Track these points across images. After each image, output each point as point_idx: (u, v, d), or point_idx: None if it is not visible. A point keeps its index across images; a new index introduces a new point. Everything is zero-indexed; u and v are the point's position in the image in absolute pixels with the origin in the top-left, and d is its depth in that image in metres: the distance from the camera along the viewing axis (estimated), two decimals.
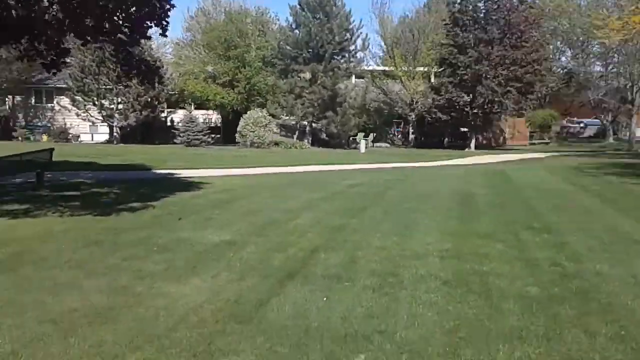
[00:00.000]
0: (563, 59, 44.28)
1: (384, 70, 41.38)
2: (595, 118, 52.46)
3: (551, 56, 40.28)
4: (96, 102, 35.40)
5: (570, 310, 4.41)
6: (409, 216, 8.97)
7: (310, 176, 16.98)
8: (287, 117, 37.73)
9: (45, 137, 36.36)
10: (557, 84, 38.91)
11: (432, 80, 37.97)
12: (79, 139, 37.46)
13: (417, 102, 38.92)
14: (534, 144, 45.49)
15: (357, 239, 7.12)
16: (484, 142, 40.74)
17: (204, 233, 7.43)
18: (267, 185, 13.92)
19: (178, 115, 39.79)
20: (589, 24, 31.14)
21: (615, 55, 39.79)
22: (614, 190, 13.75)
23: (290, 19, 35.37)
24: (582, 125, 55.67)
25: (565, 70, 44.03)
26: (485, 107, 34.52)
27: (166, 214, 9.11)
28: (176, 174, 16.81)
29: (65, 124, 37.77)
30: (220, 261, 5.94)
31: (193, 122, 35.30)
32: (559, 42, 44.22)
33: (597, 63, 43.35)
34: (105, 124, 36.83)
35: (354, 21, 35.22)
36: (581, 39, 40.41)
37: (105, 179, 14.77)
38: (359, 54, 36.85)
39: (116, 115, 35.71)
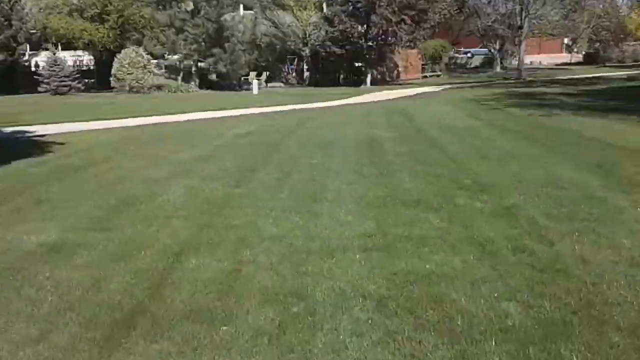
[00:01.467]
0: None
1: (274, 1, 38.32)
2: (483, 47, 53.09)
3: None
4: None
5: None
6: (312, 177, 7.06)
7: (194, 126, 14.53)
8: (171, 57, 33.97)
9: None
10: (450, 11, 38.08)
11: (325, 10, 35.64)
12: None
13: (310, 36, 36.61)
14: (426, 76, 45.15)
15: (242, 222, 5.11)
16: (379, 77, 39.52)
17: (18, 230, 5.06)
18: (137, 141, 11.37)
19: (43, 58, 34.45)
20: None
21: None
22: (525, 124, 12.74)
23: None
24: (469, 55, 56.13)
25: None
26: (380, 38, 33.09)
27: None
28: (26, 131, 13.59)
29: None
30: (15, 298, 3.67)
31: (58, 65, 30.45)
32: None
33: None
34: None
35: None
36: None
37: None
38: None
39: None
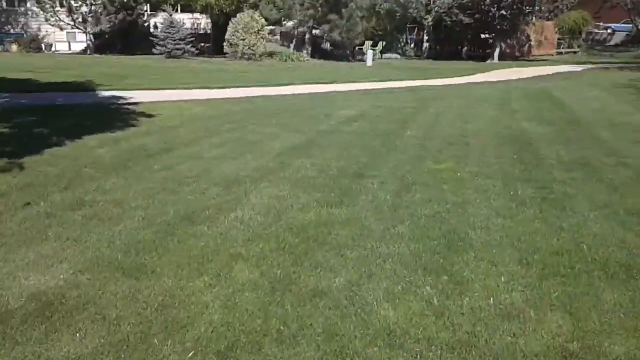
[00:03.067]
0: None
1: None
2: (626, 22, 46.54)
3: None
4: (64, 3, 30.27)
5: None
6: (443, 197, 5.00)
7: (299, 102, 12.81)
8: (286, 23, 32.59)
9: (15, 47, 31.54)
10: None
11: None
12: (53, 49, 32.73)
13: (434, 2, 33.43)
14: (561, 53, 40.17)
15: (338, 286, 3.22)
16: (507, 51, 35.53)
17: (18, 258, 3.55)
18: (232, 118, 9.85)
19: (160, 20, 34.49)
20: None
21: None
22: None
23: None
24: (609, 31, 49.41)
25: None
26: (515, 6, 29.31)
27: (21, 186, 5.20)
28: (124, 97, 12.62)
29: (39, 31, 32.84)
30: None
31: (174, 27, 30.16)
32: None
33: None
34: (80, 30, 31.82)
35: None
36: None
37: (19, 105, 10.75)
38: None
39: (89, 19, 30.69)
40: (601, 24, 48.89)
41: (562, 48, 41.38)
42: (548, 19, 34.62)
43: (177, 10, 37.96)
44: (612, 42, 48.00)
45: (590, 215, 4.47)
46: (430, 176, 5.70)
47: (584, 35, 45.42)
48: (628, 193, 5.17)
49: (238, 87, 15.88)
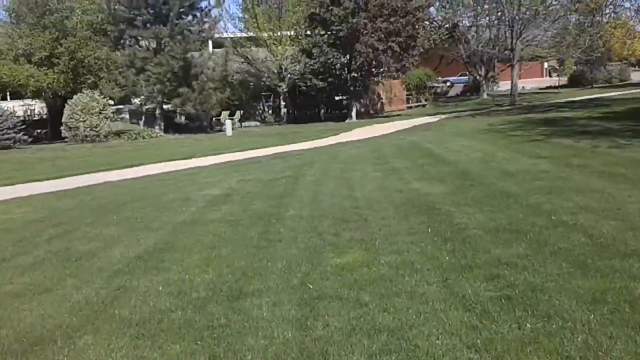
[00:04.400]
0: (432, 9, 40.53)
1: (247, 37, 35.07)
2: (462, 75, 50.80)
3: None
4: None
5: None
6: (377, 334, 3.31)
7: (151, 185, 10.72)
8: (135, 100, 30.25)
9: None
10: (440, 36, 35.12)
11: (303, 43, 32.41)
12: None
13: (286, 70, 33.32)
14: (411, 107, 42.13)
15: None
16: (362, 109, 36.33)
17: None
18: (60, 220, 7.51)
19: None
20: None
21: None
22: (605, 161, 9.22)
23: None
24: (448, 84, 53.56)
25: (441, 21, 40.56)
26: (365, 68, 29.98)
27: None
28: None
29: None
30: None
31: (0, 116, 26.49)
32: None
33: (467, 13, 40.37)
34: None
35: None
36: None
37: None
38: (214, 12, 30.19)
39: None
40: (439, 78, 52.78)
41: (411, 103, 43.42)
42: (395, 78, 36.04)
43: (5, 98, 34.13)
44: (452, 94, 51.80)
45: (594, 320, 3.04)
46: (338, 280, 4.02)
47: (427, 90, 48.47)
48: (609, 272, 3.87)
49: (76, 174, 13.39)
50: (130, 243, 5.85)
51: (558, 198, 6.34)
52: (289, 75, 33.32)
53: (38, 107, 33.59)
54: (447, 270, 4.03)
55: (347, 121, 31.04)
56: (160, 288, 4.17)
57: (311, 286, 3.91)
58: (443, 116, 28.23)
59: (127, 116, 32.86)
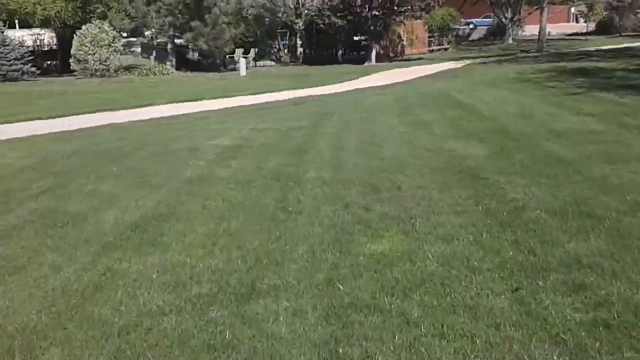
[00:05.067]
0: None
1: None
2: (486, 17, 48.23)
3: None
4: None
5: None
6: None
7: (158, 130, 9.90)
8: (148, 33, 28.97)
9: None
10: None
11: None
12: None
13: (304, 6, 31.60)
14: (432, 50, 40.24)
15: None
16: (382, 52, 34.68)
17: None
18: (53, 170, 6.77)
19: None
20: None
21: None
22: None
23: None
24: (471, 26, 50.99)
25: None
26: (387, 6, 28.31)
27: None
28: None
29: None
30: None
31: (7, 46, 25.39)
32: None
33: None
34: None
35: None
36: None
37: None
38: None
39: None
40: (462, 19, 50.25)
41: (433, 46, 41.52)
42: (418, 18, 34.20)
43: (14, 27, 32.76)
44: (474, 37, 49.41)
45: None
46: (375, 279, 3.22)
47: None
48: None
49: (82, 113, 12.56)
50: (128, 204, 5.10)
51: (625, 169, 5.44)
52: (306, 11, 31.62)
53: (47, 37, 32.33)
54: (514, 272, 3.21)
55: (366, 64, 29.64)
56: (154, 276, 3.42)
57: (341, 287, 3.12)
58: (468, 61, 26.76)
59: (139, 49, 31.64)
